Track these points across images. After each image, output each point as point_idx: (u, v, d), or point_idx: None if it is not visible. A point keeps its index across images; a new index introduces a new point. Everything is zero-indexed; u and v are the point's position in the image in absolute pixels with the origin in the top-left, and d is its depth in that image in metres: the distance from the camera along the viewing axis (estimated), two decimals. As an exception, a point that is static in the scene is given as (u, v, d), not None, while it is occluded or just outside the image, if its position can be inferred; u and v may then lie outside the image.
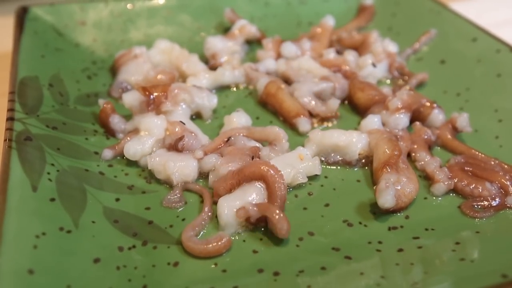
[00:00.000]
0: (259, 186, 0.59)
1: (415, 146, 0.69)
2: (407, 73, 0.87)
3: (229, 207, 0.57)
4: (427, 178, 0.66)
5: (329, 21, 0.94)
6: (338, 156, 0.69)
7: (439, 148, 0.72)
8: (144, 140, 0.66)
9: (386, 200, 0.58)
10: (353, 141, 0.68)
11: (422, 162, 0.67)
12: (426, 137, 0.70)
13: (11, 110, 0.62)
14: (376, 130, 0.70)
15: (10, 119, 0.60)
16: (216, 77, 0.82)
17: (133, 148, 0.65)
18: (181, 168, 0.63)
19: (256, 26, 0.92)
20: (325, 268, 0.53)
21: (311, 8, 1.01)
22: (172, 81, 0.80)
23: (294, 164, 0.64)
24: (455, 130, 0.72)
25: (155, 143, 0.67)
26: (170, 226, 0.58)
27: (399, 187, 0.61)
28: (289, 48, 0.87)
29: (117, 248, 0.53)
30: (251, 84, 0.84)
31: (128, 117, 0.73)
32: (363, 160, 0.69)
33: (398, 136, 0.70)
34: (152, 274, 0.52)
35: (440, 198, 0.63)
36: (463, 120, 0.71)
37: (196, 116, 0.77)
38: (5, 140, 0.57)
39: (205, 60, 0.87)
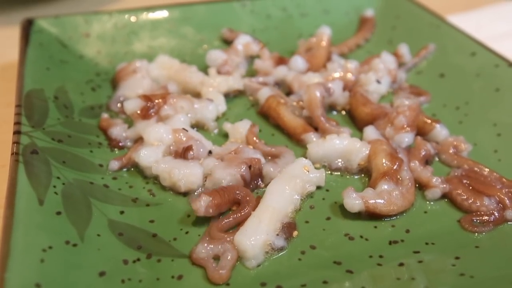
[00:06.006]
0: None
1: (409, 157, 0.70)
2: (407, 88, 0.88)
3: (254, 240, 0.56)
4: (421, 186, 0.67)
5: (326, 31, 0.94)
6: (340, 163, 0.70)
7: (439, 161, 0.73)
8: (156, 149, 0.67)
9: (347, 203, 0.61)
10: (356, 147, 0.69)
11: (415, 172, 0.68)
12: (424, 153, 0.71)
13: (17, 123, 0.63)
14: (376, 140, 0.71)
15: (17, 132, 0.61)
16: (223, 82, 0.84)
17: (147, 156, 0.66)
18: (186, 175, 0.64)
19: (257, 41, 0.93)
20: (327, 282, 0.53)
21: (311, 21, 1.02)
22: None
23: (301, 175, 0.65)
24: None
25: (164, 151, 0.68)
26: (174, 239, 0.59)
27: (385, 197, 0.62)
28: (298, 61, 0.88)
29: (122, 261, 0.54)
30: (251, 95, 0.85)
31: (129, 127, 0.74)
32: (363, 168, 0.70)
33: (398, 150, 0.71)
34: (157, 287, 0.52)
35: (439, 210, 0.64)
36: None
37: (199, 128, 0.78)
38: (12, 153, 0.58)
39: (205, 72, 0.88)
